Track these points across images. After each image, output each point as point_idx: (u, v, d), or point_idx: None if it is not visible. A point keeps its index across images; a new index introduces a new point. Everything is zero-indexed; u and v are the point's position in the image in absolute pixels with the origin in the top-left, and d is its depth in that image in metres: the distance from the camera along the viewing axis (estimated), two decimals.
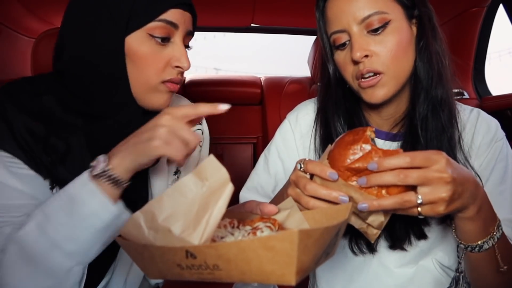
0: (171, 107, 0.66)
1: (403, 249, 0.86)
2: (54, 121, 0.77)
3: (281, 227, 0.59)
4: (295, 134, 0.97)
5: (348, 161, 0.62)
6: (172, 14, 0.76)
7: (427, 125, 0.82)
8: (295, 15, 2.23)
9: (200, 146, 1.01)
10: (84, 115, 0.79)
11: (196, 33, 0.88)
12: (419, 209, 0.58)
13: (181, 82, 0.82)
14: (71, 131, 0.78)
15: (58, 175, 0.74)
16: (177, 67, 0.79)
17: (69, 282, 0.67)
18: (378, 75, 0.78)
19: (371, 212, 0.62)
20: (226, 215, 0.64)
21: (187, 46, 0.82)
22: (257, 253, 0.43)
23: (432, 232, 0.85)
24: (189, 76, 2.37)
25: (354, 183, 0.62)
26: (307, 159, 0.67)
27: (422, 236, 0.84)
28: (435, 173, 0.57)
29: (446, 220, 0.83)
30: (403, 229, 0.84)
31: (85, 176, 0.66)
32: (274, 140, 1.02)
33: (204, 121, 1.03)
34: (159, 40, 0.76)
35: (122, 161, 0.66)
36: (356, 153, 0.62)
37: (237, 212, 0.66)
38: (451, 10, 1.81)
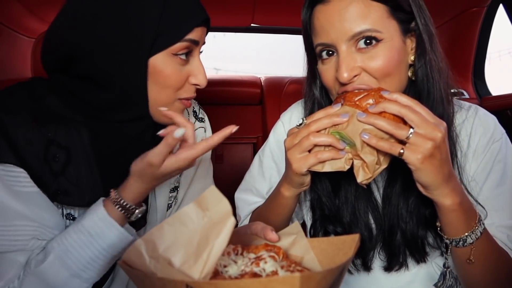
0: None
1: (398, 270, 0.85)
2: (56, 119, 0.75)
3: (285, 256, 0.58)
4: None
5: (355, 94, 0.71)
6: (196, 33, 0.75)
7: None
8: (295, 15, 2.21)
9: None
10: (87, 115, 0.78)
11: None
12: (401, 150, 0.63)
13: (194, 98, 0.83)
14: (74, 126, 0.76)
15: (59, 186, 0.74)
16: (194, 84, 0.78)
17: None
18: None
19: (365, 145, 0.67)
20: (231, 239, 0.65)
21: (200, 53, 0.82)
22: None
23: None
24: None
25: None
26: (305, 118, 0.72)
27: (421, 259, 0.83)
28: (432, 125, 0.63)
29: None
30: (402, 252, 0.82)
31: (100, 209, 0.69)
32: (268, 142, 1.00)
33: (206, 119, 1.02)
34: (183, 58, 0.75)
35: (135, 191, 0.71)
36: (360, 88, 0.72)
37: (243, 234, 0.65)
38: (451, 10, 1.81)
